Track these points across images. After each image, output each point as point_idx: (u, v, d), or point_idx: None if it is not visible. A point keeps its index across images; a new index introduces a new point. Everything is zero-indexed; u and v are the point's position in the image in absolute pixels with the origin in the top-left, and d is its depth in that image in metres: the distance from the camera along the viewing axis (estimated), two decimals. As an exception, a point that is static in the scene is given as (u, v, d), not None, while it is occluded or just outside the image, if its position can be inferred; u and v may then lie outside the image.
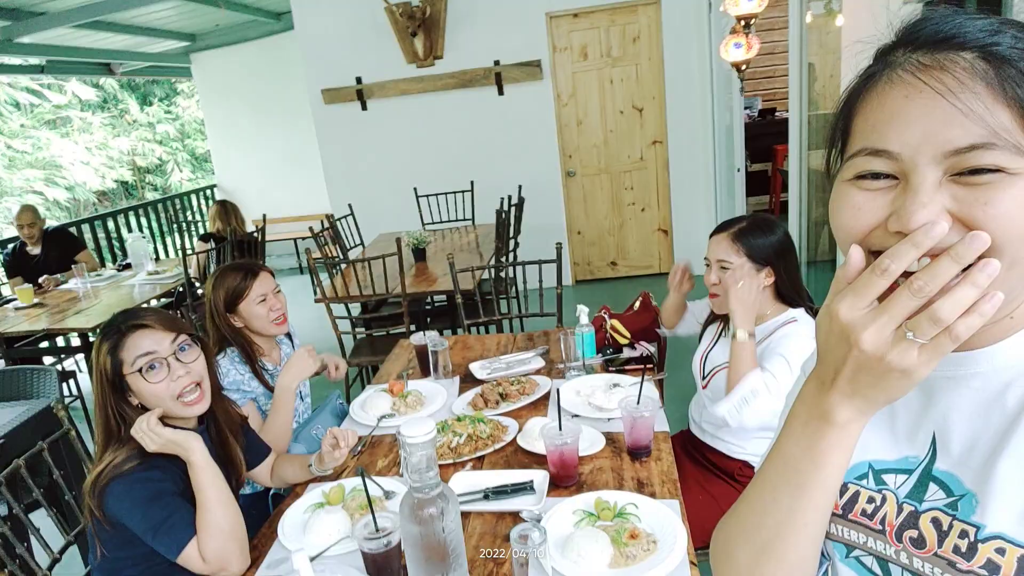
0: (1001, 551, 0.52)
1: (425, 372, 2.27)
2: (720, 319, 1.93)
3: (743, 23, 2.29)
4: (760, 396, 1.65)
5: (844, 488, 0.65)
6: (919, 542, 0.58)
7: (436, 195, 5.35)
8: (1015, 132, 0.48)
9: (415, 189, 5.35)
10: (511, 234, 4.36)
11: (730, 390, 1.70)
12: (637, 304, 2.43)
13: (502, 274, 3.82)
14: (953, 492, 0.57)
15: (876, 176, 0.53)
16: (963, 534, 0.55)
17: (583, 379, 2.08)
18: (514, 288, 4.45)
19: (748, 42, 2.34)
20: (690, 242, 5.65)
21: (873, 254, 0.53)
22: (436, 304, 4.39)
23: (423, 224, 5.26)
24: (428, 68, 5.47)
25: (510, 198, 4.48)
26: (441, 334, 2.34)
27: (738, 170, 4.63)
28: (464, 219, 5.36)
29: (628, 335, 2.30)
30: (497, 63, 5.39)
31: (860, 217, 0.54)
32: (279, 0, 6.36)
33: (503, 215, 4.05)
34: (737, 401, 1.68)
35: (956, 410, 0.58)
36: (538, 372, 2.19)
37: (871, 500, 0.63)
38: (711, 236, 1.80)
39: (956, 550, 0.55)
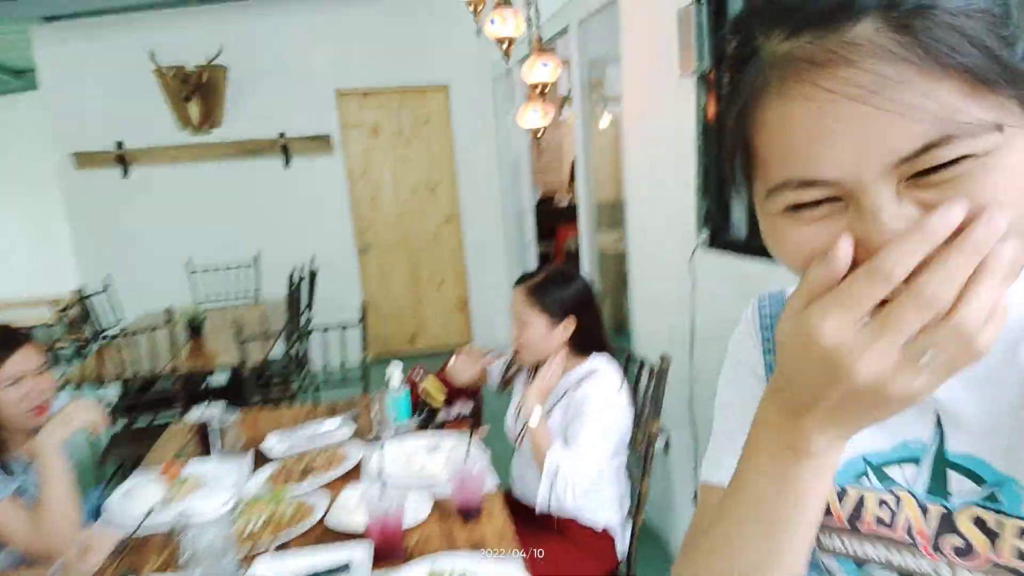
0: None
1: (208, 452, 1.91)
2: (532, 372, 1.88)
3: (538, 90, 2.39)
4: (570, 475, 1.61)
5: (842, 493, 0.54)
6: (965, 550, 0.48)
7: (215, 270, 4.86)
8: (966, 105, 0.37)
9: (188, 263, 4.81)
10: (302, 307, 4.04)
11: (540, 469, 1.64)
12: (453, 359, 2.31)
13: (295, 349, 3.49)
14: (985, 479, 0.47)
15: (815, 204, 0.42)
16: (1021, 532, 0.45)
17: (400, 443, 1.88)
18: (306, 369, 4.11)
19: (544, 108, 2.44)
20: (489, 315, 5.72)
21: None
22: (215, 388, 3.88)
23: (196, 302, 4.71)
24: (205, 136, 5.07)
25: (302, 269, 4.19)
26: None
27: (528, 244, 4.83)
28: (246, 296, 4.91)
29: (445, 392, 2.15)
30: (283, 135, 5.16)
31: (811, 252, 0.43)
32: (20, 56, 5.57)
33: (294, 287, 3.75)
34: (547, 490, 1.63)
35: (958, 379, 0.43)
36: (347, 442, 1.95)
37: (883, 504, 0.52)
38: (513, 288, 1.77)
39: (1020, 554, 0.45)
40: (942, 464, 0.50)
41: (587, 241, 3.61)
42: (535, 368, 1.84)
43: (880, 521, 0.52)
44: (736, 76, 0.44)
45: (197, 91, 4.89)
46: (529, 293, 1.70)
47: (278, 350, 3.48)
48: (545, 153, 8.11)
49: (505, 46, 2.36)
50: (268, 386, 3.21)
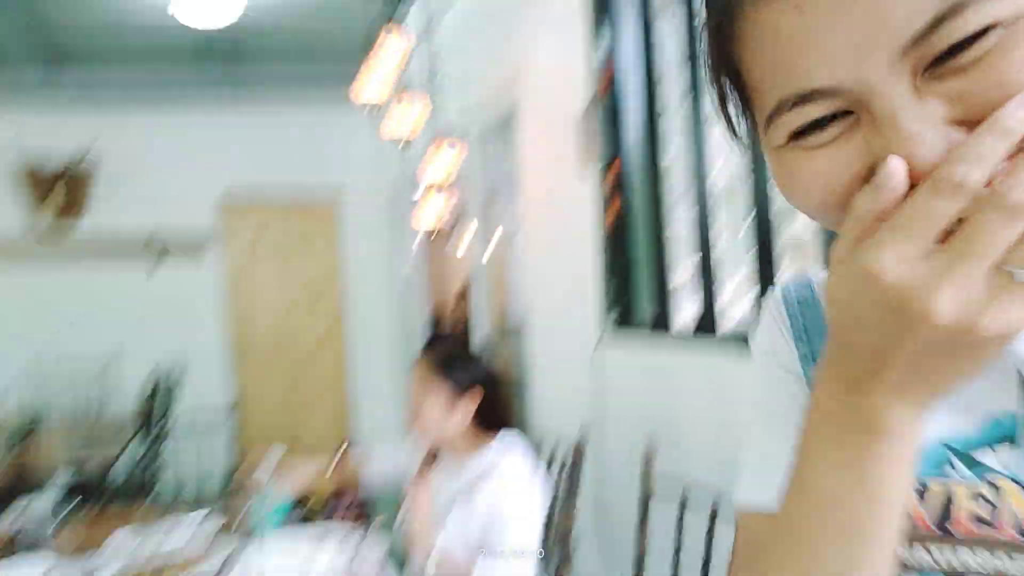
0: None
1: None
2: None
3: (436, 186, 2.37)
4: None
5: (924, 490, 0.43)
6: None
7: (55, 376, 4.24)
8: None
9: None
10: (156, 420, 3.58)
11: None
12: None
13: (142, 466, 3.01)
14: None
15: (822, 124, 0.35)
16: None
17: (281, 539, 1.59)
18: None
19: (444, 208, 2.40)
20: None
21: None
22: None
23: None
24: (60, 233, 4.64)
25: (165, 378, 3.75)
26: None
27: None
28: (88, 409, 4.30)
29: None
30: (155, 239, 4.82)
31: (827, 186, 0.36)
32: None
33: (148, 396, 3.33)
34: None
35: None
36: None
37: (978, 497, 0.41)
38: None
39: None
40: None
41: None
42: (430, 457, 1.63)
43: (978, 519, 0.41)
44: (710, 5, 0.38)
45: (58, 187, 4.52)
46: (431, 359, 1.54)
47: (122, 470, 2.99)
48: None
49: (402, 144, 2.33)
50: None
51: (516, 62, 2.72)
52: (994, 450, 0.42)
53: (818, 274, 0.51)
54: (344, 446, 2.09)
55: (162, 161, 4.85)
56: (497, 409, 1.56)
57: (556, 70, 2.49)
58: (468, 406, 1.52)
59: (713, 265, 1.88)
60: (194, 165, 4.92)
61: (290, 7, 3.66)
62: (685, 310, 1.99)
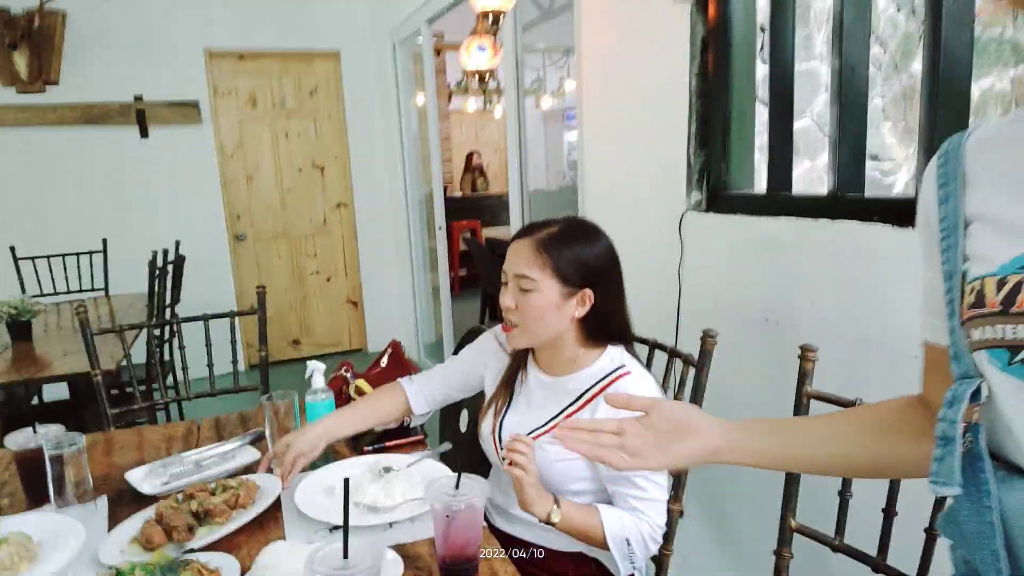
0: None
1: (38, 498, 1.28)
2: (516, 362, 1.40)
3: (490, 19, 1.93)
4: (647, 539, 1.18)
5: (1002, 282, 0.54)
6: None
7: (48, 257, 3.93)
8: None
9: (12, 250, 3.86)
10: (168, 300, 3.31)
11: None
12: (385, 359, 1.79)
13: (157, 352, 2.77)
14: None
15: None
16: None
17: (330, 469, 1.35)
18: (172, 375, 3.37)
19: (494, 47, 1.98)
20: (382, 314, 5.14)
21: None
22: (50, 405, 3.06)
23: (24, 292, 3.77)
24: (37, 95, 4.13)
25: (166, 253, 3.43)
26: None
27: (439, 229, 4.32)
28: (93, 288, 4.02)
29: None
30: (139, 99, 4.32)
31: None
32: None
33: (156, 273, 3.03)
34: (629, 567, 1.20)
35: None
36: (251, 470, 1.38)
37: None
38: (512, 241, 1.28)
39: None
40: None
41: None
42: (519, 360, 1.37)
43: None
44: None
45: (25, 39, 3.97)
46: (540, 247, 1.21)
47: (136, 355, 2.75)
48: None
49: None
50: (124, 400, 2.51)
51: None
52: None
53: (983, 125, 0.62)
54: (392, 345, 1.83)
55: (139, 11, 4.25)
56: (612, 318, 1.27)
57: None
58: (577, 310, 1.24)
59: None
60: (177, 16, 4.33)
61: None
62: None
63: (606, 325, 1.27)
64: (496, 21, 1.94)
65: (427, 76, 4.20)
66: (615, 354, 1.28)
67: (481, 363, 1.46)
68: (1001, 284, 0.54)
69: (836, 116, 1.49)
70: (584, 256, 1.22)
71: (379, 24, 4.63)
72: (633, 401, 0.79)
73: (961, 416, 0.56)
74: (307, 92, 4.83)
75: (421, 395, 1.48)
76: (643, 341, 1.47)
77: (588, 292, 1.23)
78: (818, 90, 2.01)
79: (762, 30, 1.80)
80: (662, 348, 1.45)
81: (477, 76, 2.08)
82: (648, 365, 1.42)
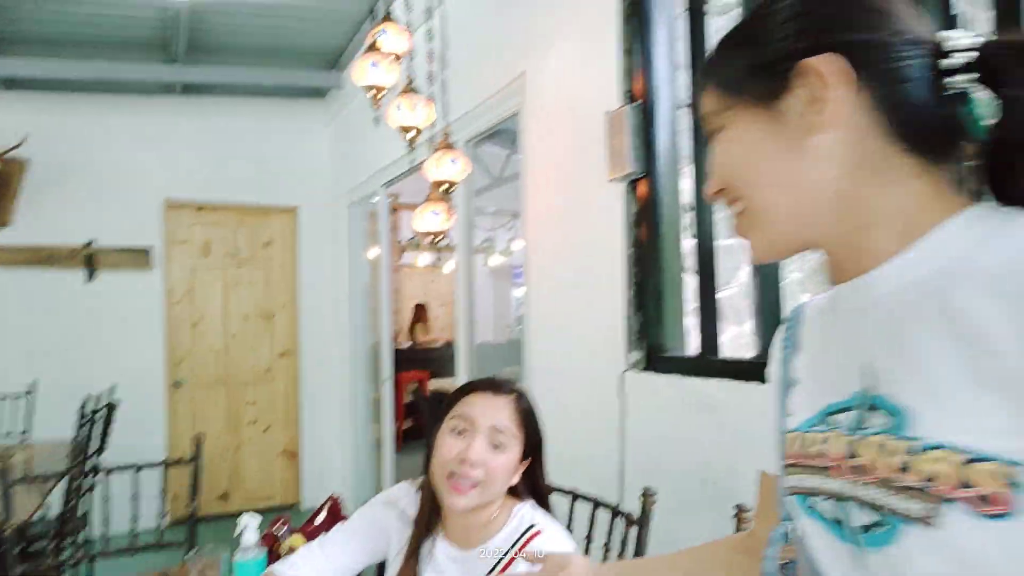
0: (940, 460, 0.49)
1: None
2: (420, 534, 1.27)
3: (444, 188, 2.11)
4: None
5: (799, 437, 0.63)
6: (864, 469, 0.55)
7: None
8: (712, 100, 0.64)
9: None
10: (95, 448, 3.14)
11: None
12: (323, 515, 1.74)
13: (74, 504, 2.60)
14: (890, 412, 0.55)
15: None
16: (903, 451, 0.52)
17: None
18: (86, 531, 3.12)
19: (448, 212, 2.15)
20: (320, 466, 4.95)
21: None
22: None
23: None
24: (-16, 236, 4.13)
25: (97, 399, 3.31)
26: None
27: (385, 380, 4.31)
28: (13, 433, 3.79)
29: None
30: (90, 244, 4.35)
31: None
32: None
33: (84, 421, 2.91)
34: None
35: (876, 333, 0.58)
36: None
37: (821, 440, 0.60)
38: (472, 392, 1.27)
39: (896, 467, 0.52)
40: (866, 405, 0.57)
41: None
42: (424, 531, 1.27)
43: (815, 454, 0.60)
44: None
45: (-18, 183, 4.04)
46: (516, 409, 1.23)
47: (51, 507, 2.57)
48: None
49: (411, 135, 2.07)
50: (33, 556, 2.30)
51: (525, 64, 2.50)
52: (846, 413, 0.59)
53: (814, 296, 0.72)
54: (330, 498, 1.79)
55: (101, 161, 4.42)
56: (540, 482, 1.29)
57: (571, 73, 2.28)
58: (523, 465, 1.26)
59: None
60: (138, 166, 4.51)
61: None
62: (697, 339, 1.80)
63: (533, 488, 1.28)
64: (448, 190, 2.11)
65: (382, 234, 4.40)
66: (524, 512, 1.25)
67: (383, 538, 1.32)
68: (797, 439, 0.63)
69: (757, 287, 1.66)
70: (536, 426, 1.26)
71: (338, 185, 4.90)
72: (550, 558, 0.80)
73: (777, 555, 0.64)
74: (261, 243, 4.96)
75: None
76: (586, 498, 1.49)
77: (527, 460, 1.25)
78: (742, 263, 2.21)
79: (690, 208, 2.01)
80: (605, 506, 1.47)
81: (431, 237, 2.22)
82: (591, 523, 1.43)
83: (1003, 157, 0.54)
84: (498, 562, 1.19)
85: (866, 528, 0.55)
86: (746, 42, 0.62)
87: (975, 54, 0.54)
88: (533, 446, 1.26)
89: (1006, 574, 0.47)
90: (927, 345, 0.53)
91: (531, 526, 1.22)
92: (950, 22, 1.29)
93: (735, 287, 2.50)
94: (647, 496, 1.32)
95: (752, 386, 1.58)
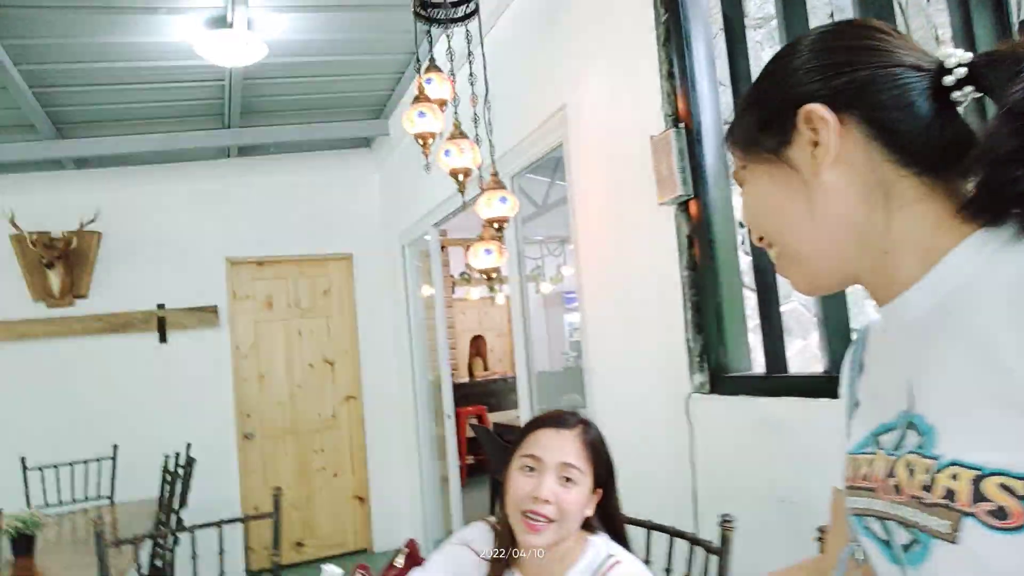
0: (956, 476, 0.52)
1: None
2: (509, 565, 1.28)
3: (495, 226, 2.15)
4: None
5: (853, 459, 0.66)
6: (897, 489, 0.58)
7: (57, 466, 3.92)
8: (738, 153, 0.70)
9: (23, 460, 3.87)
10: (176, 505, 3.25)
11: None
12: (401, 559, 1.76)
13: (162, 559, 2.69)
14: (921, 432, 0.58)
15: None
16: (926, 469, 0.55)
17: None
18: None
19: (500, 248, 2.18)
20: (389, 508, 4.99)
21: None
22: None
23: (29, 505, 3.71)
24: (65, 308, 4.38)
25: (177, 457, 3.44)
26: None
27: (448, 417, 4.34)
28: (100, 496, 3.96)
29: (399, 604, 1.58)
30: (161, 307, 4.56)
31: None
32: None
33: (169, 477, 3.02)
34: None
35: (907, 356, 0.61)
36: None
37: (867, 463, 0.63)
38: (538, 428, 1.29)
39: (922, 485, 0.55)
40: (905, 426, 0.60)
41: (527, 417, 3.22)
42: (498, 570, 1.29)
43: (864, 476, 0.63)
44: None
45: (62, 259, 4.28)
46: (584, 441, 1.24)
47: (142, 564, 2.67)
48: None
49: (461, 178, 2.12)
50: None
51: (566, 96, 2.54)
52: (890, 433, 0.62)
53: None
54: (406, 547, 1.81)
55: (166, 228, 4.64)
56: (615, 515, 1.30)
57: (612, 100, 2.30)
58: (590, 507, 1.26)
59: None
60: (200, 229, 4.72)
61: (310, 50, 3.48)
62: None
63: (607, 523, 1.28)
64: (501, 228, 2.15)
65: (435, 272, 4.48)
66: (599, 544, 1.25)
67: None
68: (852, 461, 0.66)
69: (819, 299, 1.62)
70: (605, 456, 1.27)
71: (389, 228, 5.02)
72: None
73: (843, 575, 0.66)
74: (321, 292, 5.10)
75: None
76: (662, 529, 1.47)
77: (599, 491, 1.26)
78: (800, 274, 2.16)
79: (741, 225, 1.99)
80: (681, 536, 1.45)
81: (485, 274, 2.26)
82: (669, 554, 1.41)
83: (997, 165, 0.54)
84: None
85: (906, 547, 0.57)
86: (755, 103, 0.67)
87: (966, 70, 0.57)
88: (604, 476, 1.26)
89: None
90: (948, 365, 0.56)
91: (610, 555, 1.23)
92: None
93: (796, 300, 2.45)
94: (726, 523, 1.30)
95: (822, 402, 1.54)
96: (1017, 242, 0.55)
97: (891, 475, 0.58)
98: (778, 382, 1.72)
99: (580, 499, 1.21)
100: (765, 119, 0.65)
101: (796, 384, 1.65)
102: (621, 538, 1.31)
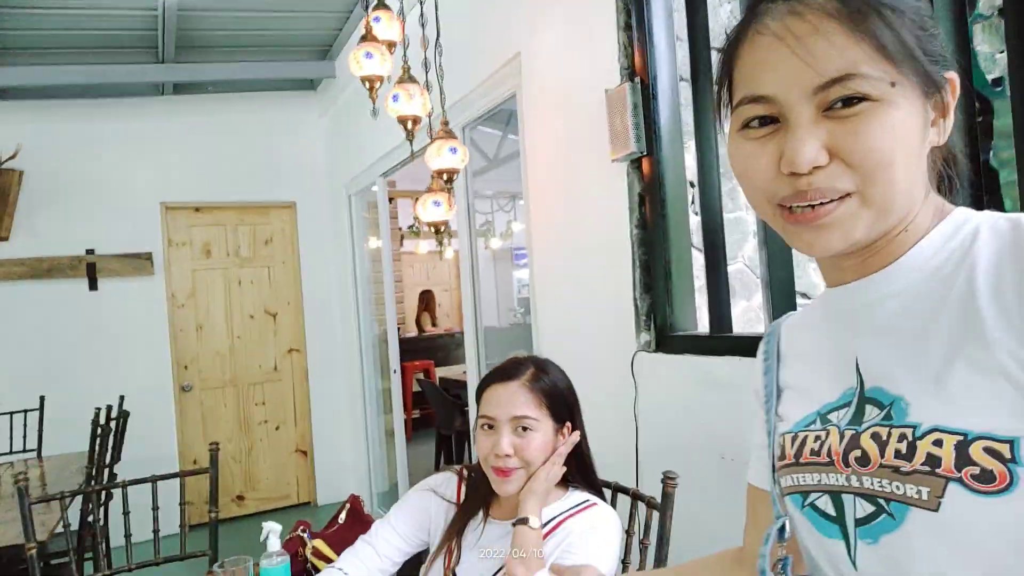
0: (939, 442, 0.53)
1: None
2: (479, 507, 1.38)
3: (444, 177, 2.08)
4: None
5: (795, 438, 0.66)
6: (864, 459, 0.58)
7: (-21, 418, 3.73)
8: (873, 62, 0.54)
9: (-59, 411, 3.67)
10: (108, 460, 3.15)
11: None
12: (343, 515, 1.74)
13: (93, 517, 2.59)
14: (883, 404, 0.58)
15: (762, 123, 0.59)
16: (901, 437, 0.55)
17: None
18: (105, 543, 3.13)
19: (449, 201, 2.12)
20: (333, 462, 4.96)
21: (780, 207, 0.59)
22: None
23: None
24: (-17, 251, 4.11)
25: (109, 409, 3.31)
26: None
27: (394, 371, 4.30)
28: (25, 450, 3.80)
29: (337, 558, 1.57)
30: (91, 252, 4.33)
31: (755, 165, 0.59)
32: None
33: (100, 431, 2.91)
34: None
35: (874, 330, 0.62)
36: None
37: (817, 439, 0.63)
38: (488, 387, 1.32)
39: (897, 454, 0.55)
40: (863, 402, 0.61)
41: (474, 372, 3.20)
42: (473, 508, 1.35)
43: (812, 451, 0.63)
44: (735, 29, 0.62)
45: (-22, 196, 4.00)
46: (530, 386, 1.27)
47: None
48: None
49: (410, 126, 2.03)
50: (54, 572, 2.31)
51: (519, 44, 2.46)
52: (839, 411, 0.63)
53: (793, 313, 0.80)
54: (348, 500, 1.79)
55: (97, 169, 4.37)
56: (584, 458, 1.32)
57: (567, 51, 2.24)
58: (563, 447, 1.28)
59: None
60: (134, 172, 4.47)
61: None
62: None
63: (581, 460, 1.30)
64: (451, 179, 2.08)
65: (382, 224, 4.37)
66: (577, 493, 1.31)
67: (424, 526, 1.39)
68: (794, 439, 0.66)
69: (764, 259, 1.63)
70: (563, 388, 1.29)
71: (334, 178, 4.86)
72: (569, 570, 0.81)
73: (769, 552, 0.66)
74: (262, 241, 4.93)
75: None
76: (605, 484, 1.48)
77: (568, 424, 1.28)
78: (747, 235, 2.18)
79: (692, 185, 1.98)
80: (624, 491, 1.46)
81: (434, 227, 2.20)
82: (612, 508, 1.42)
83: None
84: (548, 522, 1.25)
85: (863, 520, 0.58)
86: (919, 23, 0.57)
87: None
88: (566, 412, 1.30)
89: (1001, 548, 0.50)
90: (927, 336, 0.57)
91: (587, 500, 1.28)
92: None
93: (741, 261, 2.47)
94: (668, 479, 1.31)
95: (768, 362, 1.56)
96: (996, 219, 0.57)
97: (854, 448, 0.58)
98: (722, 342, 1.73)
99: (540, 443, 1.25)
100: (932, 51, 0.58)
101: (739, 344, 1.67)
102: (599, 494, 1.34)
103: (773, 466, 0.70)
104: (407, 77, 2.04)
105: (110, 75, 4.05)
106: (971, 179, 1.15)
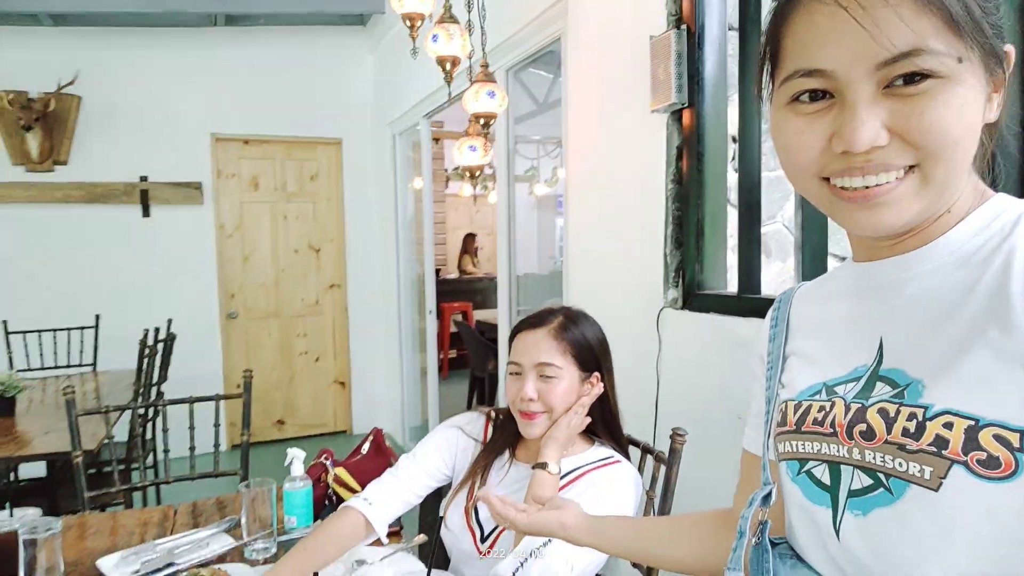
0: (949, 425, 0.52)
1: (5, 583, 1.27)
2: (506, 448, 1.41)
3: (481, 122, 2.06)
4: (558, 553, 1.16)
5: (798, 406, 0.66)
6: (868, 434, 0.58)
7: (39, 331, 3.96)
8: (941, 36, 0.51)
9: (4, 324, 3.90)
10: (155, 379, 3.32)
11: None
12: (367, 446, 1.81)
13: (139, 431, 2.76)
14: (899, 384, 0.58)
15: (813, 97, 0.56)
16: (911, 416, 0.55)
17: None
18: (153, 456, 3.34)
19: (485, 146, 2.11)
20: (369, 395, 5.13)
21: (824, 180, 0.57)
22: (23, 481, 3.02)
23: (12, 368, 3.77)
24: (45, 174, 4.27)
25: (156, 331, 3.47)
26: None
27: (430, 312, 4.38)
28: (82, 364, 4.03)
29: (359, 488, 1.65)
30: (144, 179, 4.47)
31: (803, 142, 0.56)
32: None
33: (147, 351, 3.06)
34: (523, 553, 1.17)
35: (900, 310, 0.60)
36: (225, 559, 1.38)
37: (821, 409, 0.63)
38: (518, 334, 1.35)
39: (905, 432, 0.55)
40: (874, 379, 0.60)
41: (505, 318, 3.24)
42: (500, 447, 1.39)
43: (816, 421, 0.63)
44: None
45: (40, 121, 4.14)
46: (557, 334, 1.29)
47: (118, 432, 2.74)
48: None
49: (448, 67, 2.01)
50: (102, 481, 2.48)
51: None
52: (846, 385, 0.63)
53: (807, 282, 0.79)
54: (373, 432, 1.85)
55: (151, 97, 4.46)
56: (610, 410, 1.34)
57: (615, -3, 2.16)
58: (589, 396, 1.30)
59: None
60: (186, 102, 4.54)
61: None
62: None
63: (607, 414, 1.32)
64: (487, 124, 2.06)
65: (424, 165, 4.38)
66: (602, 448, 1.34)
67: (448, 462, 1.44)
68: (797, 407, 0.66)
69: (800, 222, 1.59)
70: (591, 340, 1.30)
71: (380, 116, 4.86)
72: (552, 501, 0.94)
73: (751, 515, 0.67)
74: (308, 177, 5.00)
75: (383, 519, 1.35)
76: (631, 442, 1.50)
77: (596, 375, 1.29)
78: (789, 195, 2.12)
79: (733, 140, 1.92)
80: (635, 444, 1.48)
81: (468, 171, 2.20)
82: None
83: None
84: (572, 471, 1.28)
85: (857, 492, 0.58)
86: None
87: None
88: (593, 361, 1.32)
89: (991, 533, 0.51)
90: (952, 320, 0.56)
91: (611, 455, 1.31)
92: None
93: (778, 222, 2.41)
94: (677, 436, 1.32)
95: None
96: None
97: (860, 421, 0.58)
98: (749, 302, 1.71)
99: (563, 390, 1.28)
100: (997, 24, 0.54)
101: (766, 306, 1.63)
102: (623, 451, 1.36)
103: (768, 431, 0.71)
104: (448, 16, 2.01)
105: (165, 3, 4.08)
106: (1017, 159, 1.09)
